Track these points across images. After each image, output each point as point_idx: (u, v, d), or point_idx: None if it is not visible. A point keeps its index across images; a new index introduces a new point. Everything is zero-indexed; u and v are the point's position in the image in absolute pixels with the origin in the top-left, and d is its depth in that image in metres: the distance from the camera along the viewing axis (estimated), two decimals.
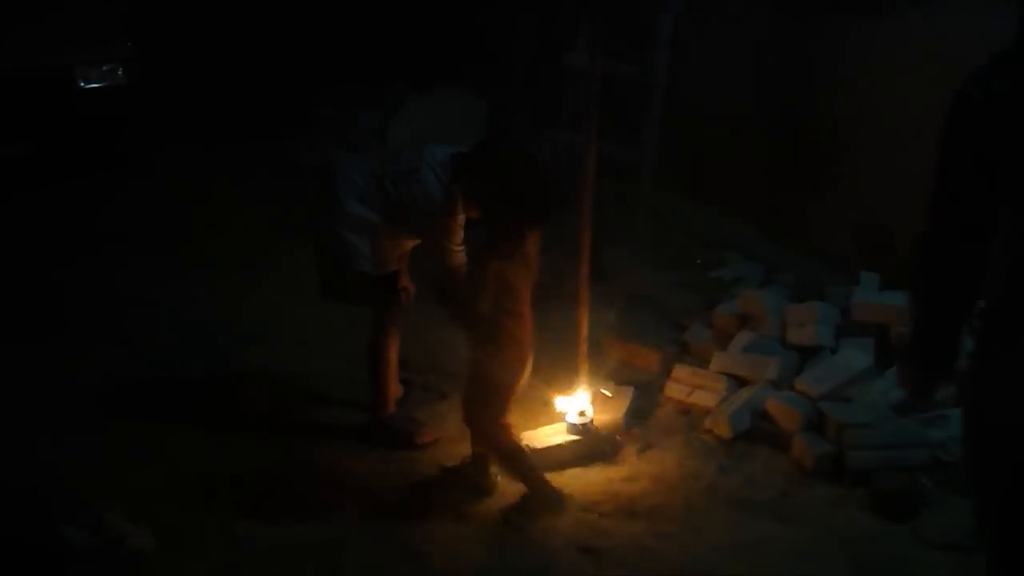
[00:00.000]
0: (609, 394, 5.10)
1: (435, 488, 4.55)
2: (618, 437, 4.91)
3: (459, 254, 4.54)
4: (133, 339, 5.84)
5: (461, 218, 4.48)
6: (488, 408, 4.34)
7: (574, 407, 4.84)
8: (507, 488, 4.50)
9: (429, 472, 4.68)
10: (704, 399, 5.17)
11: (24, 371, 5.44)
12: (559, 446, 4.72)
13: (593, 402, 4.94)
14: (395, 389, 5.06)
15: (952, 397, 5.00)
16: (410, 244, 4.79)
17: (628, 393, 5.18)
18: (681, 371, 5.37)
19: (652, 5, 6.78)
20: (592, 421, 4.85)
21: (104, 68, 7.80)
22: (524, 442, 4.59)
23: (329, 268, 4.72)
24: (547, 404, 5.01)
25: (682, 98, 6.99)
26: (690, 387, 5.26)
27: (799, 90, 6.61)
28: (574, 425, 4.80)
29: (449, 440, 4.93)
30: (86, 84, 7.73)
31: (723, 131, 7.08)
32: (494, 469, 4.53)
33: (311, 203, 4.72)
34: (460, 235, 4.53)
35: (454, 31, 8.84)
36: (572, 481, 4.60)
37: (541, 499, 4.39)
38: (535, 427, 4.87)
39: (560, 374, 4.98)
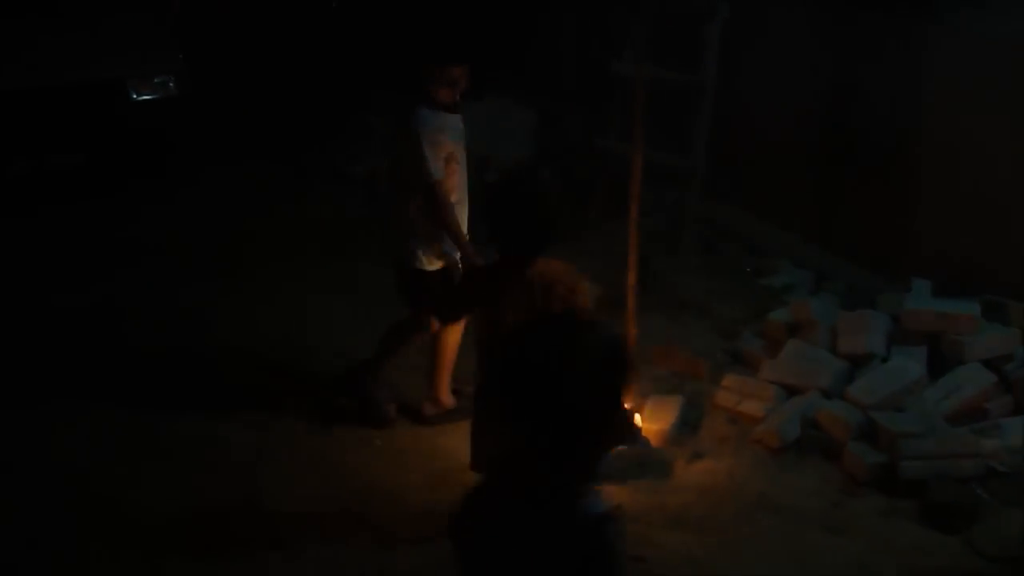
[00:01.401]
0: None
1: None
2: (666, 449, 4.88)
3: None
4: (186, 351, 5.88)
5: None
6: None
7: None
8: None
9: None
10: (754, 408, 5.13)
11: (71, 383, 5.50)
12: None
13: (641, 411, 4.92)
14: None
15: (1007, 406, 4.96)
16: None
17: (676, 402, 5.15)
18: (731, 380, 5.33)
19: (700, 12, 6.76)
20: (641, 430, 4.83)
21: (156, 80, 7.86)
22: None
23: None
24: None
25: (731, 105, 6.96)
26: (740, 396, 5.22)
27: (851, 96, 6.54)
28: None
29: None
30: (138, 96, 7.80)
31: (773, 138, 7.02)
32: None
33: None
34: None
35: (504, 39, 8.84)
36: (620, 490, 4.56)
37: None
38: None
39: None
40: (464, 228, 4.89)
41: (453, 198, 4.84)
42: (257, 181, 8.20)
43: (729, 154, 7.07)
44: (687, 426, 5.10)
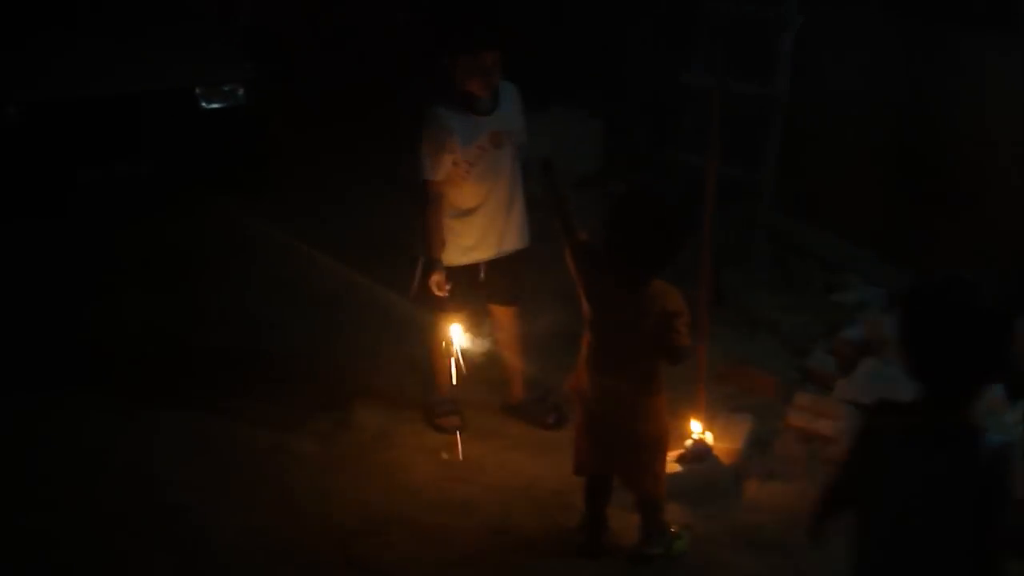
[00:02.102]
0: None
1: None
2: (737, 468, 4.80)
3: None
4: (256, 355, 5.91)
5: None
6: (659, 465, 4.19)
7: (691, 435, 4.75)
8: (617, 524, 4.40)
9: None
10: (827, 427, 5.02)
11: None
12: (678, 474, 4.62)
13: (712, 429, 4.83)
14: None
15: None
16: None
17: (747, 421, 5.06)
18: (803, 398, 5.22)
19: (771, 22, 6.67)
20: (711, 449, 4.75)
21: (225, 89, 7.91)
22: None
23: None
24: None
25: (802, 116, 6.85)
26: (812, 415, 5.11)
27: (925, 107, 6.41)
28: (690, 453, 4.71)
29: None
30: (207, 105, 7.84)
31: (843, 150, 6.90)
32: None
33: None
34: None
35: (569, 50, 8.79)
36: (690, 510, 4.50)
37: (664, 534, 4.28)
38: None
39: (679, 401, 4.83)
40: (470, 239, 4.85)
41: (467, 205, 4.79)
42: (335, 190, 8.20)
43: (799, 166, 6.95)
44: (758, 445, 5.00)
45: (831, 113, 6.93)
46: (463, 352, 5.00)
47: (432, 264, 4.78)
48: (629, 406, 3.97)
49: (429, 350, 5.18)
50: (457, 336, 4.96)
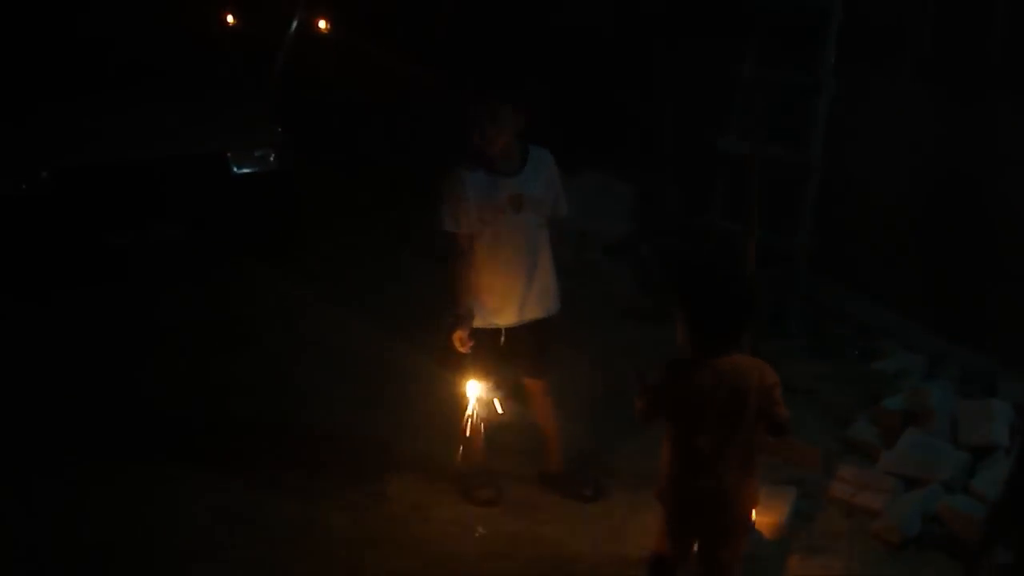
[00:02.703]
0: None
1: None
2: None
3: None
4: (284, 426, 5.85)
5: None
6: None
7: None
8: None
9: None
10: (871, 500, 4.91)
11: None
12: None
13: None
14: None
15: None
16: None
17: (790, 493, 4.95)
18: (846, 470, 5.11)
19: (806, 87, 6.63)
20: (754, 524, 4.63)
21: (256, 154, 7.90)
22: None
23: None
24: None
25: (838, 179, 6.79)
26: (856, 487, 5.00)
27: (962, 171, 6.37)
28: None
29: None
30: (239, 169, 7.84)
31: (880, 215, 6.84)
32: None
33: None
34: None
35: (602, 113, 8.78)
36: None
37: None
38: None
39: None
40: (490, 302, 4.75)
41: (484, 266, 4.68)
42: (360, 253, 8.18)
43: (835, 230, 6.88)
44: (801, 518, 4.89)
45: (869, 178, 6.88)
46: (485, 414, 4.91)
47: (457, 319, 4.67)
48: (733, 493, 3.85)
49: (460, 417, 5.06)
50: (474, 394, 4.85)
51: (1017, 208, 6.07)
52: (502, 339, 4.83)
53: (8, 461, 5.44)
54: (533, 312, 4.86)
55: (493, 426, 5.01)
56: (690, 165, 7.93)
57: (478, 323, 4.74)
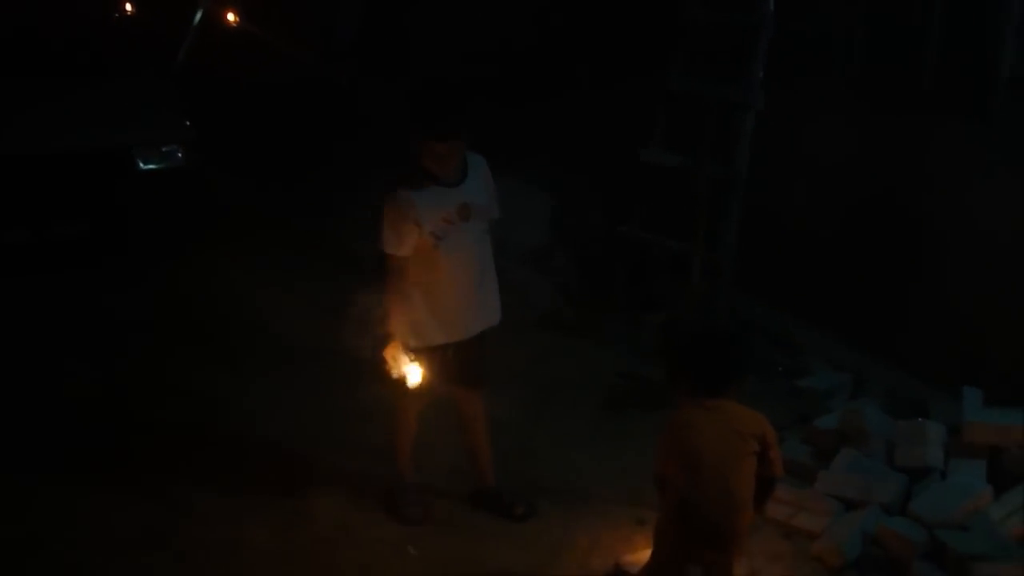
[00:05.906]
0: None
1: None
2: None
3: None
4: (202, 438, 5.57)
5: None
6: None
7: None
8: None
9: None
10: (810, 522, 4.86)
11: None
12: None
13: None
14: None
15: None
16: None
17: None
18: (783, 491, 5.03)
19: (733, 102, 6.58)
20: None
21: (163, 150, 7.59)
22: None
23: None
24: (641, 523, 4.76)
25: (762, 195, 6.75)
26: (794, 508, 4.94)
27: (888, 189, 6.39)
28: None
29: None
30: (145, 165, 7.52)
31: (804, 230, 6.82)
32: None
33: None
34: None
35: (520, 122, 8.64)
36: None
37: None
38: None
39: (646, 492, 4.63)
40: (443, 316, 4.63)
41: (438, 281, 4.57)
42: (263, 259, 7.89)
43: (757, 246, 6.84)
44: None
45: (794, 193, 6.87)
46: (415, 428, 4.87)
47: (387, 336, 4.55)
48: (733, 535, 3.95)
49: (390, 431, 4.97)
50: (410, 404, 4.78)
51: (941, 227, 6.11)
52: (450, 354, 4.69)
53: None
54: (481, 323, 4.78)
55: (421, 443, 4.91)
56: (611, 175, 7.83)
57: (434, 339, 4.63)
